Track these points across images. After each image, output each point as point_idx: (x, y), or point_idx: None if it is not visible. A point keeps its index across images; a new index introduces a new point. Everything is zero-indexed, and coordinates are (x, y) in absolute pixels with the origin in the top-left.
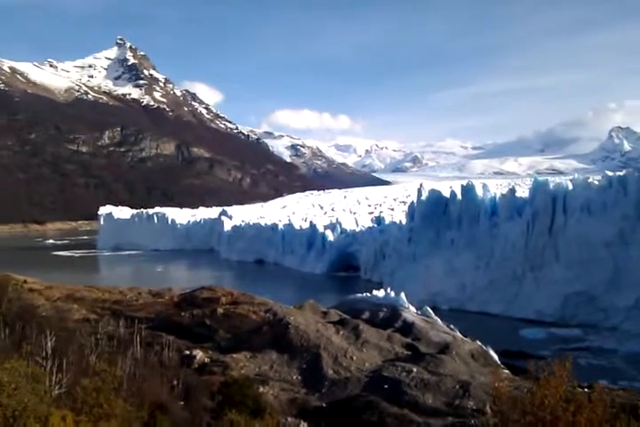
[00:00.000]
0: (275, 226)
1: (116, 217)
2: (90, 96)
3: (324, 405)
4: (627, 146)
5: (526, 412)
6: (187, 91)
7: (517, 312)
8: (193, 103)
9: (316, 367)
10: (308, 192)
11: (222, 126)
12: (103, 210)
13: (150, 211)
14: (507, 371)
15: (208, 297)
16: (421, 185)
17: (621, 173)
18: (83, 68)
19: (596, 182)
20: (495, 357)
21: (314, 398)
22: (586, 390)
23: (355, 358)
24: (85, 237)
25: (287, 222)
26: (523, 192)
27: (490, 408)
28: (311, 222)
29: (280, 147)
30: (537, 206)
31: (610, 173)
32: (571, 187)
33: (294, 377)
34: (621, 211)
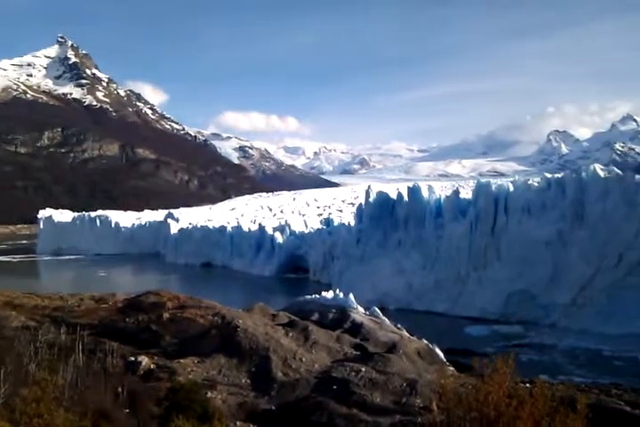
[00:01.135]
0: (223, 228)
1: (56, 220)
2: (28, 95)
3: (273, 407)
4: (564, 149)
5: (471, 408)
6: (131, 91)
7: (462, 311)
8: (137, 103)
9: (265, 370)
10: (256, 194)
11: (168, 127)
12: (43, 213)
13: (93, 214)
14: (452, 368)
15: (154, 302)
16: (369, 187)
17: (559, 175)
18: (21, 66)
19: (536, 184)
20: (441, 355)
21: (263, 401)
22: (528, 385)
23: (304, 359)
24: (24, 242)
25: (236, 225)
26: (466, 194)
27: (436, 405)
28: (260, 225)
29: (228, 148)
30: (480, 208)
31: (548, 175)
32: (512, 188)
33: (243, 381)
34: (559, 211)
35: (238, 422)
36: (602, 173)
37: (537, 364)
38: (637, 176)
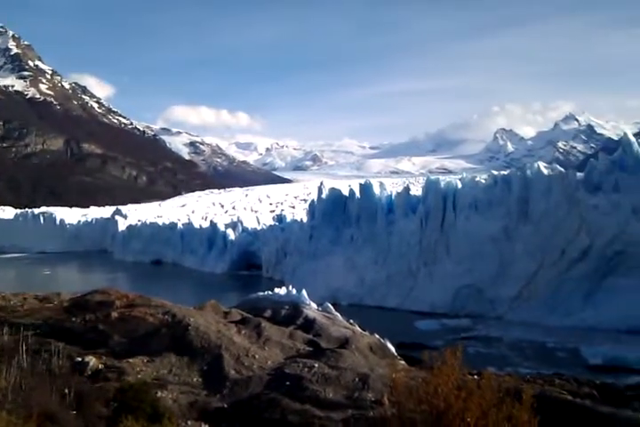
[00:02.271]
0: (173, 225)
1: None
2: None
3: (225, 406)
4: (510, 147)
5: (421, 401)
6: (76, 83)
7: (412, 305)
8: (83, 97)
9: (217, 368)
10: (208, 190)
11: (115, 121)
12: None
13: (36, 210)
14: (403, 362)
15: (101, 301)
16: (321, 183)
17: (505, 173)
18: None
19: (483, 181)
20: (392, 349)
21: (215, 399)
22: (476, 377)
23: (257, 356)
24: None
25: (186, 221)
26: (416, 190)
27: (387, 399)
28: (212, 221)
29: (178, 144)
30: (429, 204)
31: (495, 173)
32: (460, 186)
33: (195, 379)
34: (505, 208)
35: (190, 422)
36: (545, 171)
37: (484, 356)
38: (579, 174)
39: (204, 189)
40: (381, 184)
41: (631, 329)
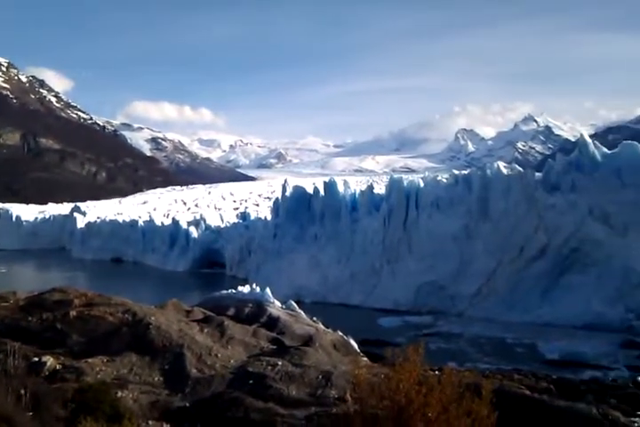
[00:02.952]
0: (134, 222)
1: None
2: None
3: (187, 405)
4: (471, 147)
5: (383, 397)
6: (33, 77)
7: (376, 303)
8: (41, 90)
9: (179, 368)
10: (170, 187)
11: (74, 116)
12: None
13: None
14: (366, 359)
15: (59, 299)
16: (286, 181)
17: (466, 172)
18: None
19: (444, 180)
20: (355, 346)
21: (177, 398)
22: (437, 372)
23: (220, 355)
24: None
25: (148, 219)
26: (380, 189)
27: (350, 395)
28: (174, 219)
29: (139, 140)
30: (392, 203)
31: (456, 172)
32: (422, 184)
33: (156, 379)
34: (466, 207)
35: (151, 421)
36: (505, 171)
37: (445, 352)
38: (537, 174)
39: (165, 186)
40: (345, 182)
41: (586, 325)
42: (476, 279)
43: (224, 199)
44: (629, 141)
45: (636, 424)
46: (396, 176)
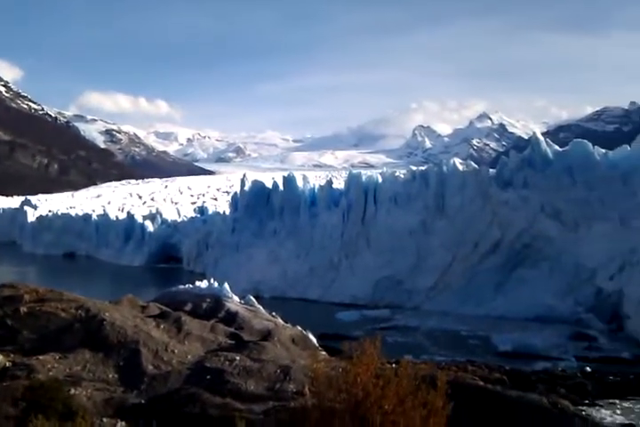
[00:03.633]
0: (87, 216)
1: None
2: None
3: (142, 401)
4: (428, 143)
5: (341, 390)
6: None
7: (334, 297)
8: None
9: (134, 364)
10: (125, 181)
11: (25, 106)
12: None
13: None
14: (324, 353)
15: (9, 295)
16: (244, 176)
17: (423, 168)
18: None
19: (402, 176)
20: (314, 340)
21: (132, 395)
22: (393, 365)
23: (176, 351)
24: None
25: (102, 213)
26: (339, 184)
27: (308, 389)
28: (129, 213)
29: (93, 132)
30: (351, 198)
31: (413, 168)
32: (380, 180)
33: (110, 376)
34: (423, 202)
35: (105, 419)
36: (460, 167)
37: (402, 345)
38: (491, 171)
39: (120, 180)
40: (305, 177)
41: (538, 317)
42: (433, 274)
43: (181, 193)
44: (580, 140)
45: (583, 413)
46: (354, 172)
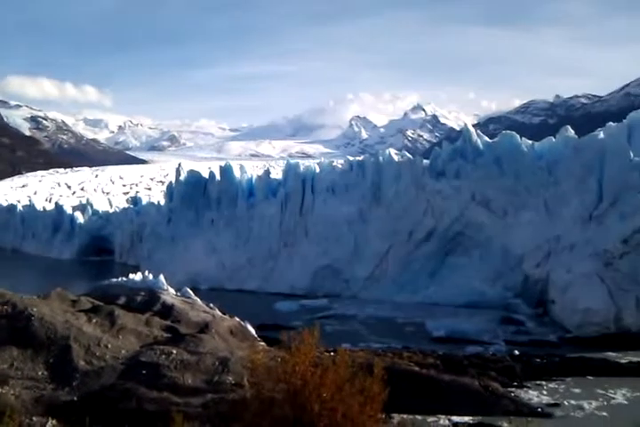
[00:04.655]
0: (12, 207)
1: None
2: None
3: (75, 399)
4: (364, 134)
5: (280, 380)
6: None
7: (273, 287)
8: None
9: (65, 360)
10: (52, 170)
11: None
12: None
13: None
14: (263, 343)
15: None
16: (180, 165)
17: (360, 159)
18: None
19: (340, 166)
20: (253, 331)
21: (63, 393)
22: (332, 354)
23: (110, 346)
24: None
25: (27, 203)
26: (277, 174)
27: (247, 381)
28: (57, 203)
29: (17, 118)
30: (289, 188)
31: (351, 158)
32: (318, 170)
33: (40, 373)
34: (360, 192)
35: (35, 418)
36: (396, 158)
37: (340, 333)
38: (425, 161)
39: (47, 169)
40: (242, 167)
41: (469, 304)
42: (369, 262)
43: (113, 183)
44: (508, 131)
45: (512, 394)
46: (292, 161)
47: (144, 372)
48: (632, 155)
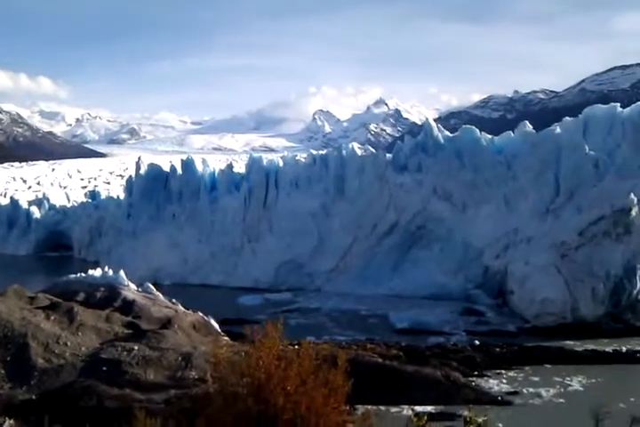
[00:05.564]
0: None
1: None
2: None
3: (33, 397)
4: (327, 128)
5: (244, 374)
6: None
7: (236, 282)
8: None
9: (22, 359)
10: (7, 164)
11: None
12: None
13: None
14: (227, 338)
15: None
16: (140, 158)
17: (323, 152)
18: None
19: (303, 160)
20: (216, 326)
21: (21, 391)
22: (296, 347)
23: (69, 343)
24: None
25: None
26: (240, 168)
27: (210, 375)
28: (12, 198)
29: None
30: (252, 181)
31: (314, 152)
32: (281, 164)
33: None
34: (323, 186)
35: None
36: (359, 152)
37: (305, 327)
38: (388, 155)
39: (2, 163)
40: (204, 161)
41: (431, 295)
42: (333, 256)
43: (70, 177)
44: (468, 126)
45: (473, 383)
46: (255, 155)
47: (105, 369)
48: (587, 149)
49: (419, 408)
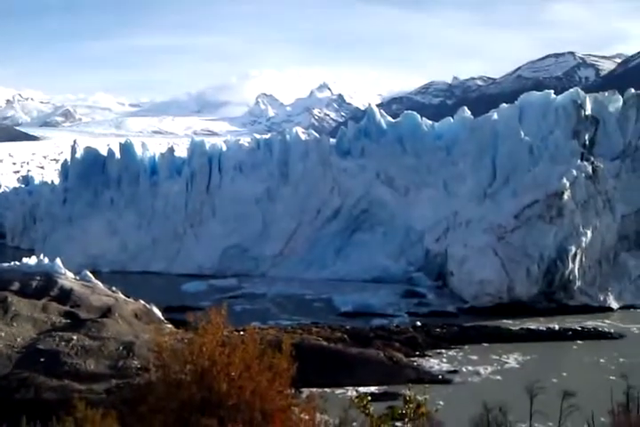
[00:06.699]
0: None
1: None
2: None
3: None
4: (271, 112)
5: (187, 361)
6: None
7: (179, 268)
8: None
9: None
10: None
11: None
12: None
13: None
14: (170, 325)
15: None
16: (75, 142)
17: (267, 137)
18: None
19: (247, 144)
20: (159, 313)
21: None
22: (241, 333)
23: (3, 334)
24: None
25: None
26: (181, 152)
27: (153, 364)
28: None
29: None
30: (194, 166)
31: (258, 136)
32: (224, 148)
33: None
34: (268, 170)
35: None
36: (303, 136)
37: (250, 312)
38: (332, 140)
39: None
40: (144, 144)
41: (374, 278)
42: (278, 241)
43: (1, 161)
44: (409, 112)
45: (415, 363)
46: (197, 139)
47: (42, 360)
48: (523, 135)
49: (363, 389)
